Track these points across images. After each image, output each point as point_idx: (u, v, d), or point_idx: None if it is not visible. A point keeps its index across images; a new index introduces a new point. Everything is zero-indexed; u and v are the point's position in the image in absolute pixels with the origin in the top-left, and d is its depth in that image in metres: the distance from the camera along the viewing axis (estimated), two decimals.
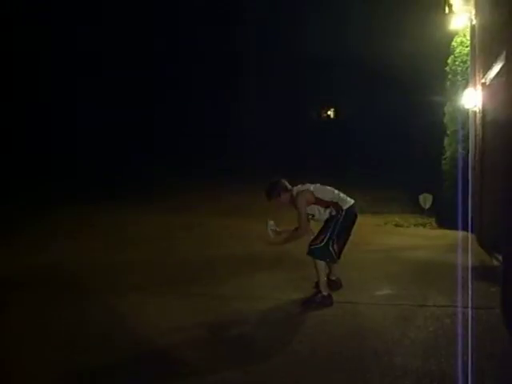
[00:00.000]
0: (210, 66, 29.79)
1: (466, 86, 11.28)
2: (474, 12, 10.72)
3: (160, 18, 29.54)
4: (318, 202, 6.76)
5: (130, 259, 9.16)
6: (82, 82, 26.40)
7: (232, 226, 12.05)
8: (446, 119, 12.22)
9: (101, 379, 5.05)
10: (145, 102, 28.62)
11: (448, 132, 12.08)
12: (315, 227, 6.94)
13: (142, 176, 20.74)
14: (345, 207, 6.77)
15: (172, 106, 29.22)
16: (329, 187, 6.95)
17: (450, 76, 12.15)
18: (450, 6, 11.29)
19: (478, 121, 10.38)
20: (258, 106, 30.03)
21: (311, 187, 6.84)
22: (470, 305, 6.26)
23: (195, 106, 29.85)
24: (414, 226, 12.41)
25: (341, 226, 6.74)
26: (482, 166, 10.09)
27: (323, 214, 6.82)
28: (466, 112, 11.23)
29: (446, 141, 12.11)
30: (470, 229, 9.71)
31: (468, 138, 11.14)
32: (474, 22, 10.73)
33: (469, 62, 11.36)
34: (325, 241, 6.66)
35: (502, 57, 7.27)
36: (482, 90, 9.90)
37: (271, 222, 7.01)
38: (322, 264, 6.73)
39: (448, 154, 11.96)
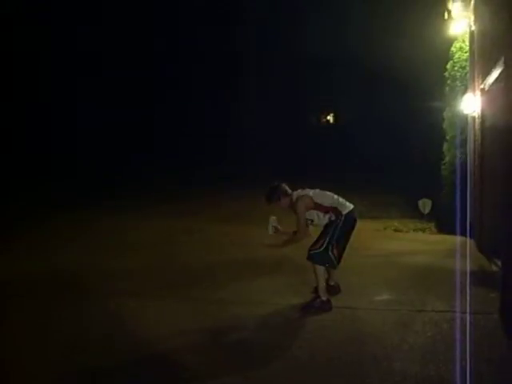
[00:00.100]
0: (209, 66, 29.81)
1: (464, 92, 11.30)
2: (473, 18, 10.75)
3: (160, 18, 29.58)
4: (318, 207, 6.78)
5: (130, 264, 9.16)
6: (82, 82, 26.43)
7: (232, 232, 12.04)
8: (445, 124, 12.23)
9: (101, 382, 5.08)
10: (145, 102, 28.66)
11: (447, 137, 12.09)
12: (315, 232, 6.96)
13: (142, 180, 20.75)
14: (344, 212, 6.79)
15: (172, 106, 29.26)
16: (328, 192, 6.97)
17: (449, 81, 12.16)
18: (449, 12, 11.32)
19: (477, 126, 10.39)
20: (258, 106, 30.09)
21: (310, 192, 6.86)
22: (468, 310, 6.28)
23: (195, 105, 29.87)
24: (414, 231, 12.41)
25: (340, 230, 6.75)
26: (481, 172, 10.10)
27: (322, 219, 6.84)
28: (465, 117, 11.24)
29: (445, 146, 12.12)
30: (468, 234, 9.71)
31: (467, 144, 11.16)
32: (473, 27, 10.76)
33: (468, 68, 11.40)
34: (324, 245, 6.67)
35: (501, 62, 7.30)
36: (481, 95, 9.92)
37: (273, 218, 7.01)
38: (321, 269, 6.74)
39: (447, 159, 11.98)
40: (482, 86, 9.78)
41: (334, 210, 6.78)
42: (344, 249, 6.91)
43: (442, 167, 12.12)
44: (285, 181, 7.08)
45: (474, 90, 10.57)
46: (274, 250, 7.56)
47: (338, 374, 5.08)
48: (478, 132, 10.38)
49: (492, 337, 5.79)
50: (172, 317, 6.61)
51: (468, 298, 6.50)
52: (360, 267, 8.56)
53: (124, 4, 27.48)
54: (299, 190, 6.95)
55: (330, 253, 6.68)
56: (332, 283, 7.17)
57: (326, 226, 6.83)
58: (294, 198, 6.85)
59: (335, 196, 6.94)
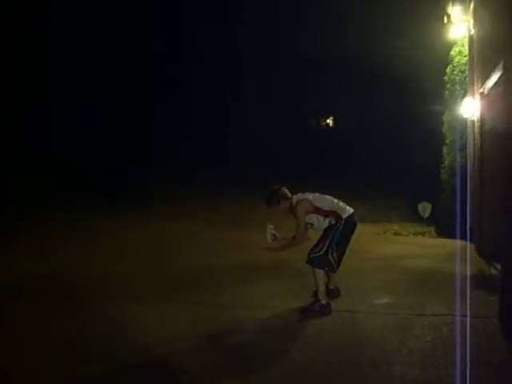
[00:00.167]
0: (209, 65, 29.81)
1: (464, 96, 11.33)
2: (472, 22, 10.78)
3: (160, 18, 29.58)
4: (317, 211, 6.79)
5: (129, 267, 9.17)
6: (82, 82, 26.43)
7: (232, 235, 12.05)
8: (444, 128, 12.26)
9: None
10: (145, 102, 28.65)
11: (447, 141, 12.12)
12: (314, 236, 6.97)
13: (141, 181, 20.74)
14: (344, 216, 6.80)
15: (172, 106, 29.26)
16: (328, 196, 6.98)
17: (448, 85, 12.20)
18: (449, 16, 11.37)
19: (477, 130, 10.41)
20: (258, 107, 30.03)
21: (310, 196, 6.87)
22: (468, 314, 6.28)
23: (195, 105, 29.88)
24: (413, 234, 12.45)
25: (340, 234, 6.76)
26: (480, 176, 10.11)
27: (322, 222, 6.85)
28: (465, 121, 11.27)
29: (445, 150, 12.15)
30: (468, 238, 9.72)
31: (467, 147, 11.18)
32: (473, 31, 10.79)
33: (467, 72, 11.43)
34: (324, 249, 6.67)
35: (500, 66, 7.31)
36: (481, 99, 9.93)
37: (271, 226, 7.03)
38: (320, 273, 6.75)
39: (447, 162, 12.00)
40: (481, 90, 9.80)
41: (334, 213, 6.79)
42: (344, 252, 6.91)
43: (442, 171, 12.15)
44: (285, 184, 7.09)
45: (473, 94, 10.60)
46: (273, 254, 7.55)
47: (338, 378, 5.09)
48: (477, 136, 10.40)
49: (491, 340, 5.79)
50: (172, 320, 6.62)
51: (468, 302, 6.51)
52: (360, 271, 8.58)
53: (124, 4, 27.47)
54: (299, 194, 6.96)
55: (330, 256, 6.68)
56: (332, 287, 7.18)
57: (326, 230, 6.83)
58: (294, 201, 6.86)
59: (335, 200, 6.95)
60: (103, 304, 7.24)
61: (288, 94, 31.02)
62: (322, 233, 6.90)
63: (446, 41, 12.36)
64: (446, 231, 11.38)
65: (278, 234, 7.04)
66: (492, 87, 8.68)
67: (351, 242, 6.97)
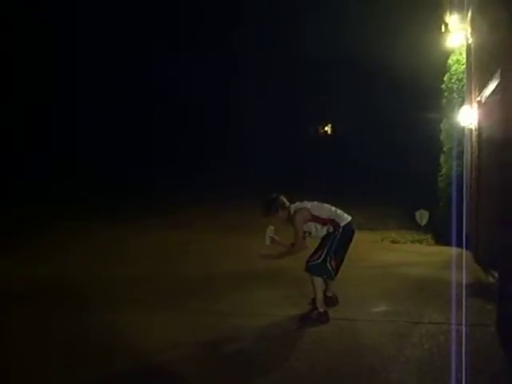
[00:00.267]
0: (210, 65, 29.85)
1: (462, 104, 11.37)
2: (469, 31, 10.83)
3: (160, 18, 29.64)
4: (315, 219, 6.81)
5: (129, 274, 9.18)
6: (82, 82, 26.48)
7: (231, 242, 12.08)
8: (442, 136, 12.31)
9: None
10: (145, 102, 28.68)
11: (444, 149, 12.16)
12: (312, 244, 6.99)
13: (142, 183, 20.76)
14: (342, 224, 6.82)
15: (172, 106, 29.28)
16: (326, 204, 7.00)
17: (446, 93, 12.25)
18: (446, 25, 11.43)
19: (474, 138, 10.45)
20: (257, 106, 30.05)
21: (308, 205, 6.90)
22: (465, 322, 6.31)
23: (195, 106, 29.90)
24: (411, 242, 12.46)
25: (338, 242, 6.78)
26: (478, 184, 10.14)
27: (320, 231, 6.87)
28: (462, 129, 11.31)
29: (442, 158, 12.19)
30: (465, 246, 9.75)
31: (464, 156, 11.22)
32: (470, 40, 10.84)
33: (465, 80, 11.48)
34: (322, 257, 6.69)
35: (497, 75, 7.35)
36: (478, 107, 9.97)
37: (271, 228, 7.05)
38: (318, 280, 6.77)
39: (444, 171, 12.04)
40: (478, 99, 9.84)
41: (332, 221, 6.81)
42: (342, 261, 6.93)
43: (439, 179, 12.19)
44: (283, 193, 7.12)
45: (470, 103, 10.64)
46: (271, 262, 7.58)
47: None
48: (474, 144, 10.43)
49: (488, 349, 5.81)
50: (171, 327, 6.63)
51: (465, 310, 6.54)
52: (357, 278, 8.59)
53: (124, 4, 27.55)
54: (297, 203, 6.98)
55: (328, 264, 6.70)
56: (329, 294, 7.20)
57: (324, 238, 6.86)
58: (292, 210, 6.88)
59: (333, 208, 6.97)
60: (103, 310, 7.26)
61: (286, 95, 31.07)
62: (320, 241, 6.93)
63: (443, 49, 12.42)
64: (443, 239, 11.40)
65: (276, 237, 7.06)
66: (489, 96, 8.72)
67: (349, 250, 6.99)
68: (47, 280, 8.75)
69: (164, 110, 29.07)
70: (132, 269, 9.63)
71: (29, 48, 24.80)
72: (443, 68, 12.52)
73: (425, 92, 17.67)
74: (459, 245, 9.99)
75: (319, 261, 6.69)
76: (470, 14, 10.66)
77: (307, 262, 6.75)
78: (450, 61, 12.31)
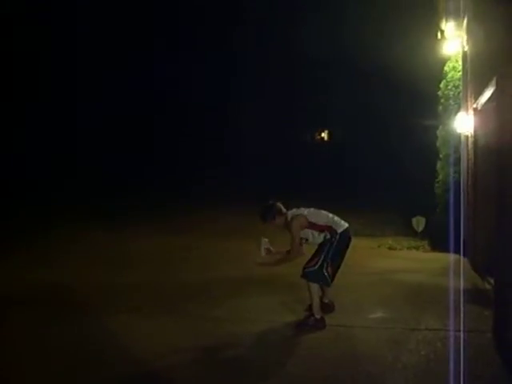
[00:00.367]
0: (210, 65, 29.87)
1: (458, 111, 11.41)
2: (465, 38, 10.88)
3: (160, 18, 29.66)
4: (312, 226, 6.82)
5: (129, 279, 9.20)
6: (82, 82, 26.49)
7: (230, 248, 12.06)
8: (438, 143, 12.33)
9: None
10: (145, 102, 28.68)
11: (441, 156, 12.19)
12: (309, 250, 6.99)
13: (141, 187, 20.75)
14: (339, 231, 6.83)
15: (172, 107, 29.28)
16: (323, 211, 7.02)
17: (442, 100, 12.28)
18: (442, 32, 11.47)
19: (470, 145, 10.47)
20: (256, 106, 30.01)
21: (305, 212, 6.91)
22: (462, 328, 6.32)
23: (195, 106, 29.90)
24: (407, 248, 12.46)
25: (335, 249, 6.79)
26: (474, 191, 10.16)
27: (317, 237, 6.88)
28: (459, 136, 11.33)
29: (439, 164, 12.22)
30: (462, 252, 9.75)
31: (460, 162, 11.24)
32: (466, 47, 10.88)
33: (461, 87, 11.51)
34: (319, 263, 6.70)
35: (493, 82, 7.37)
36: (474, 114, 10.00)
37: (265, 240, 7.06)
38: (315, 287, 6.77)
39: (440, 177, 12.07)
40: (474, 106, 9.87)
41: (329, 228, 6.82)
42: (339, 267, 6.93)
43: (436, 185, 12.21)
44: (280, 199, 7.12)
45: (466, 109, 10.67)
46: (267, 269, 7.58)
47: None
48: (471, 151, 10.45)
49: (485, 355, 5.81)
50: (169, 334, 6.64)
51: (462, 316, 6.55)
52: (354, 285, 8.59)
53: (124, 4, 27.56)
54: (294, 210, 6.99)
55: (325, 271, 6.71)
56: (326, 301, 7.20)
57: (321, 245, 6.86)
58: (289, 217, 6.89)
59: (330, 215, 6.98)
60: (101, 315, 7.28)
61: (285, 96, 31.08)
62: (317, 247, 6.93)
63: (440, 56, 12.47)
64: (439, 245, 11.40)
65: (272, 248, 7.07)
66: (485, 103, 8.74)
67: (346, 256, 7.00)
68: (47, 285, 8.74)
69: (164, 111, 29.07)
70: (132, 274, 9.63)
71: (29, 48, 24.78)
72: (440, 75, 12.56)
73: (422, 99, 17.70)
74: (456, 251, 9.98)
75: (316, 267, 6.70)
76: (465, 22, 10.71)
77: (304, 268, 6.76)
78: (446, 68, 12.36)
